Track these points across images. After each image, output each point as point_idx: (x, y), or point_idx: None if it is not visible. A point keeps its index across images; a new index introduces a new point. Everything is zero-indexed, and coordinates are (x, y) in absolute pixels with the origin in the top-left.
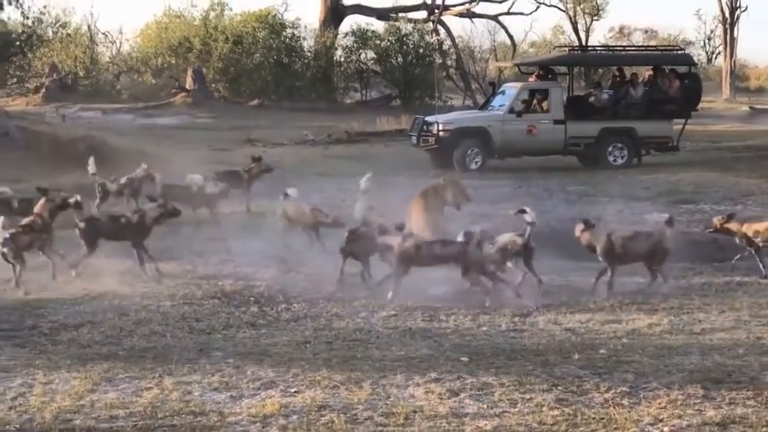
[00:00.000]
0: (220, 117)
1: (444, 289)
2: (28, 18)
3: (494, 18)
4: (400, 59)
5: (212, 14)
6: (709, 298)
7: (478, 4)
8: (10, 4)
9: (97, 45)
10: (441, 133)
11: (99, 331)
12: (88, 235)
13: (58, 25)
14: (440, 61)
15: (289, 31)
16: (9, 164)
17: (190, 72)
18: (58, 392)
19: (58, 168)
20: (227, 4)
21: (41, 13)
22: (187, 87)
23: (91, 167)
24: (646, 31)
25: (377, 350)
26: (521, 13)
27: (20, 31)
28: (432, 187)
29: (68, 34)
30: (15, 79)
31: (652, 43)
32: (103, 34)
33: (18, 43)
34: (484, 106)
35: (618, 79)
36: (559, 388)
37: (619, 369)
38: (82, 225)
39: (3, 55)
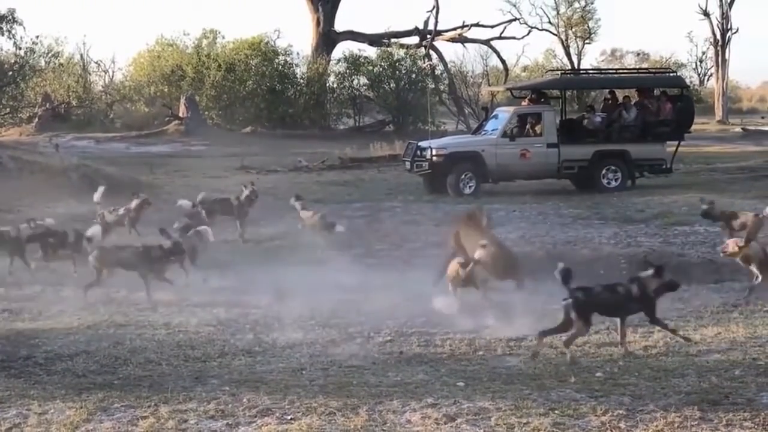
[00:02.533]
0: (213, 144)
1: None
2: (20, 48)
3: (486, 43)
4: (392, 85)
5: (205, 42)
6: (705, 319)
7: (470, 29)
8: (2, 34)
9: (89, 74)
10: (434, 158)
11: (94, 360)
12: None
13: (50, 54)
14: (433, 86)
15: (281, 58)
16: (2, 194)
17: (183, 100)
18: (54, 422)
19: (52, 197)
20: (219, 32)
21: (34, 43)
22: (180, 115)
23: (97, 196)
24: (638, 54)
25: (373, 376)
26: (513, 38)
27: (12, 61)
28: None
29: (61, 64)
30: (8, 109)
31: (644, 65)
32: (96, 63)
33: (10, 73)
34: (477, 131)
35: (610, 102)
36: (556, 412)
37: (616, 392)
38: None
39: None
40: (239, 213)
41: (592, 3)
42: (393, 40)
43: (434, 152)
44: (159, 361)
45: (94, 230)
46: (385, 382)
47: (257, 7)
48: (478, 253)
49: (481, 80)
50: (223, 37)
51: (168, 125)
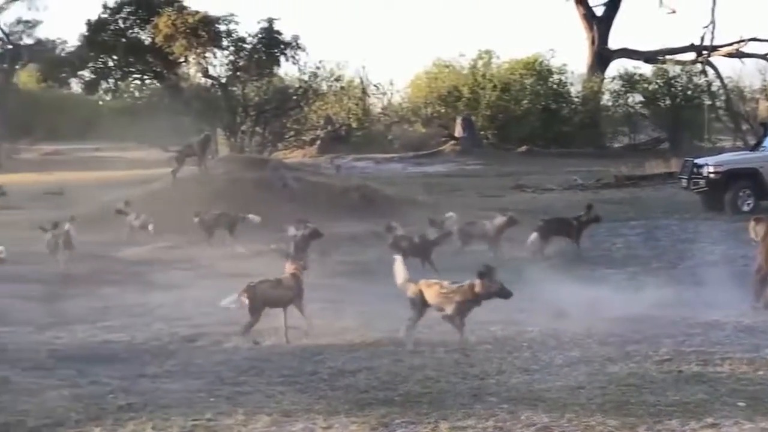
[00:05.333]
0: (488, 164)
1: None
2: (304, 73)
3: (765, 57)
4: (668, 102)
5: (480, 63)
6: None
7: (747, 43)
8: (287, 60)
9: (369, 96)
10: (711, 176)
11: (376, 376)
12: None
13: (332, 78)
14: (709, 102)
15: (556, 77)
16: (288, 214)
17: (459, 120)
18: None
19: (333, 217)
20: (494, 53)
21: (317, 67)
22: (456, 135)
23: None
24: None
25: (651, 395)
26: None
27: (297, 86)
28: None
29: (342, 87)
30: (292, 132)
31: None
32: (375, 86)
33: (295, 97)
34: (755, 147)
35: None
36: None
37: None
38: None
39: (281, 110)
40: (576, 234)
41: None
42: (668, 56)
43: (711, 169)
44: (438, 379)
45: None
46: (663, 401)
47: (531, 27)
48: None
49: (759, 95)
50: (498, 58)
51: (444, 145)
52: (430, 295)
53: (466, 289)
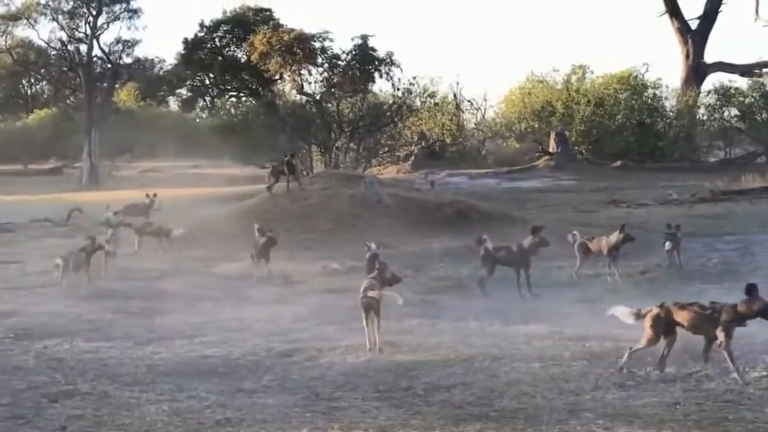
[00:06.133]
0: (583, 179)
1: None
2: (398, 89)
3: None
4: (764, 115)
5: (574, 78)
6: None
7: None
8: (381, 76)
9: (462, 112)
10: None
11: (471, 392)
12: None
13: (426, 94)
14: None
15: (650, 91)
16: (381, 230)
17: (553, 135)
18: None
19: (428, 233)
20: (588, 67)
21: (410, 83)
22: (550, 150)
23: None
24: None
25: (749, 412)
26: None
27: (391, 102)
28: None
29: (436, 103)
30: (386, 148)
31: None
32: (469, 101)
33: (389, 113)
34: None
35: None
36: None
37: None
38: None
39: (375, 126)
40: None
41: None
42: (764, 69)
43: None
44: (533, 394)
45: None
46: (761, 418)
47: (626, 41)
48: None
49: None
50: (592, 72)
51: (538, 160)
52: (685, 317)
53: (729, 309)
